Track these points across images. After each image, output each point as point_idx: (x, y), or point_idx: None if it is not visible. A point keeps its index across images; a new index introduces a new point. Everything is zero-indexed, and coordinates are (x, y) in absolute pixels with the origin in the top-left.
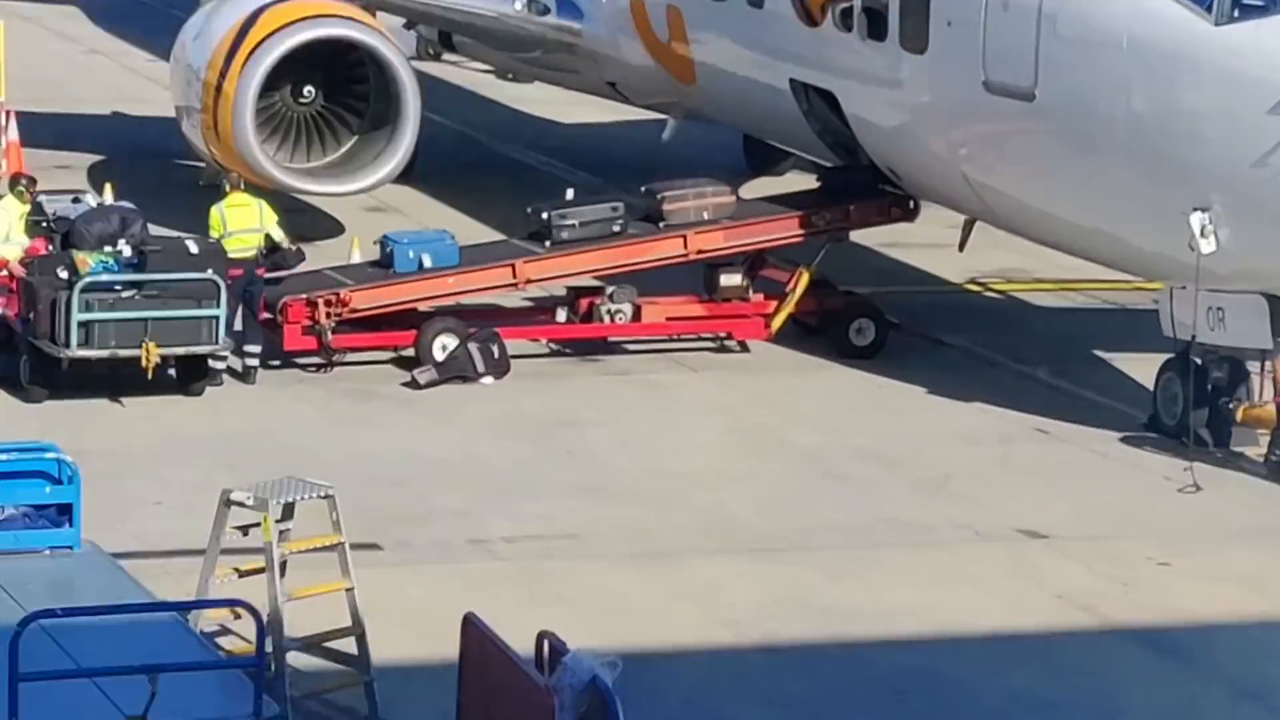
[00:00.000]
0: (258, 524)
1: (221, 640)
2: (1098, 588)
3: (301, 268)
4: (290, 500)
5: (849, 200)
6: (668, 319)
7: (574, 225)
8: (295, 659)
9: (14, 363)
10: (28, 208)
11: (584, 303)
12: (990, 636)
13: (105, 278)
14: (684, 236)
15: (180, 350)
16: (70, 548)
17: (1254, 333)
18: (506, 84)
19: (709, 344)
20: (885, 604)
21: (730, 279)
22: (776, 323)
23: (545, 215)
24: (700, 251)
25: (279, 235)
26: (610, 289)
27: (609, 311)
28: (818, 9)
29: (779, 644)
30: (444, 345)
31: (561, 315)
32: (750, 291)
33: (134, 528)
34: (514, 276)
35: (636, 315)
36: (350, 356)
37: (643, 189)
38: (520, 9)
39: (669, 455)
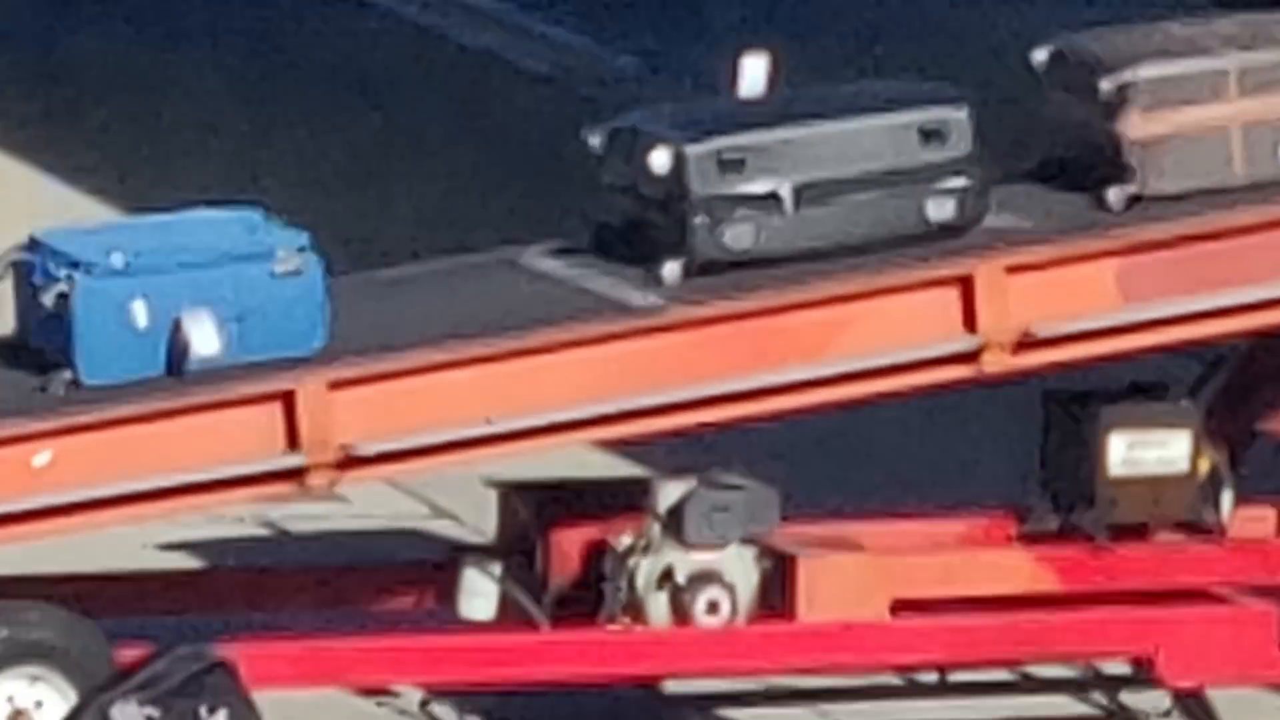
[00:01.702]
0: None
1: None
2: None
3: None
4: None
5: None
6: (897, 604)
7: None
8: None
9: None
10: None
11: (574, 539)
12: None
13: None
14: (972, 273)
15: None
16: None
17: None
18: None
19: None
20: None
21: (1142, 446)
22: None
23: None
24: (1026, 349)
25: None
26: (690, 486)
27: (680, 584)
28: None
29: None
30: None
31: (478, 597)
32: (1226, 500)
33: None
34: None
35: (778, 588)
36: None
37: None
38: None
39: None
